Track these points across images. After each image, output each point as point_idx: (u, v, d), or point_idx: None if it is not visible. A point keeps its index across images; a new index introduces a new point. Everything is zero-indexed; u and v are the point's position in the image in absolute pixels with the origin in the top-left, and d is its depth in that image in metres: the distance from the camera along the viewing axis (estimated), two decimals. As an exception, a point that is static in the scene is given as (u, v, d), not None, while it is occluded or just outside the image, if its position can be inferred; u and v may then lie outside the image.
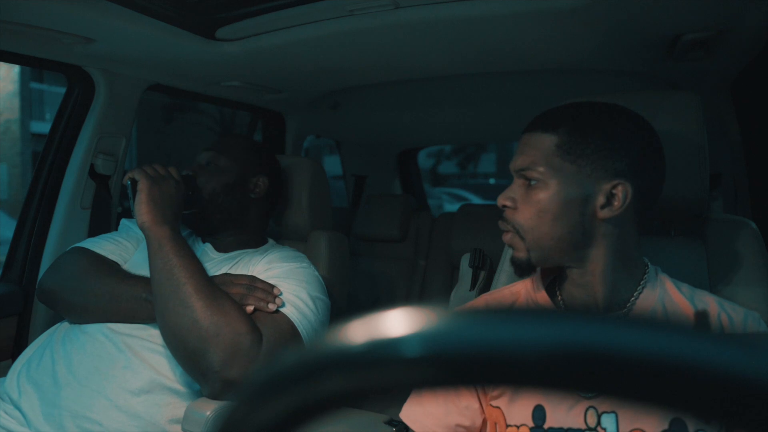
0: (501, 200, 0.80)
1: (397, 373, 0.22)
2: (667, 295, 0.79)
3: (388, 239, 2.48)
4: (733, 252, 0.98)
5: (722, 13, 1.10)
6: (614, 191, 0.74)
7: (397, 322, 0.22)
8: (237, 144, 1.37)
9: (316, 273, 1.26)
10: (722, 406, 0.19)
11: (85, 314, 1.15)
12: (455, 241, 2.30)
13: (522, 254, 0.79)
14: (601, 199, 0.74)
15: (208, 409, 1.01)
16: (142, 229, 1.12)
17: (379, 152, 3.15)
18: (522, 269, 0.80)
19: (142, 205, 1.12)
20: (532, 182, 0.77)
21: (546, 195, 0.76)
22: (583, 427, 0.73)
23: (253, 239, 1.36)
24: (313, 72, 1.64)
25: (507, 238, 0.81)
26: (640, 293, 0.79)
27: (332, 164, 3.72)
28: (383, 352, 0.21)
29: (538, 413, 0.75)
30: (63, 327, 1.19)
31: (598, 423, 0.73)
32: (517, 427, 0.76)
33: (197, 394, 1.10)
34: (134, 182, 1.17)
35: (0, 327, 1.41)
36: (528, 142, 0.79)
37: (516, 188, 0.80)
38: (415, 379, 0.22)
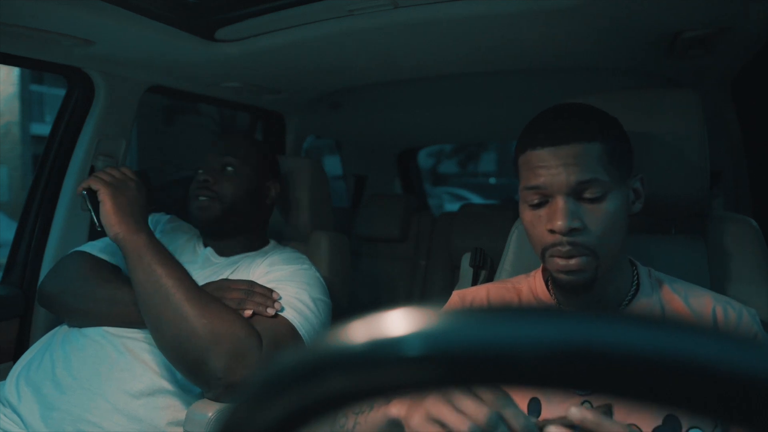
0: (570, 224, 0.70)
1: (398, 372, 0.21)
2: (662, 298, 0.79)
3: (389, 239, 2.48)
4: (733, 249, 0.98)
5: (722, 10, 1.09)
6: (636, 186, 0.77)
7: (398, 322, 0.22)
8: (253, 148, 1.35)
9: (318, 274, 1.26)
10: (716, 402, 0.19)
11: (85, 318, 1.15)
12: (456, 241, 2.30)
13: (589, 274, 0.72)
14: (632, 196, 0.77)
15: (210, 410, 1.00)
16: (116, 241, 1.06)
17: (379, 152, 3.15)
18: (585, 287, 0.73)
19: (110, 216, 1.06)
20: (588, 194, 0.71)
21: (613, 206, 0.72)
22: None
23: (255, 242, 1.35)
24: (313, 72, 1.64)
25: (575, 263, 0.71)
26: (634, 294, 0.79)
27: (332, 164, 3.72)
28: (384, 351, 0.21)
29: (534, 406, 0.76)
30: (63, 329, 1.19)
31: None
32: None
33: (198, 398, 1.09)
34: (92, 192, 1.07)
35: (1, 329, 1.41)
36: (574, 154, 0.71)
37: (573, 208, 0.71)
38: (416, 378, 0.22)
